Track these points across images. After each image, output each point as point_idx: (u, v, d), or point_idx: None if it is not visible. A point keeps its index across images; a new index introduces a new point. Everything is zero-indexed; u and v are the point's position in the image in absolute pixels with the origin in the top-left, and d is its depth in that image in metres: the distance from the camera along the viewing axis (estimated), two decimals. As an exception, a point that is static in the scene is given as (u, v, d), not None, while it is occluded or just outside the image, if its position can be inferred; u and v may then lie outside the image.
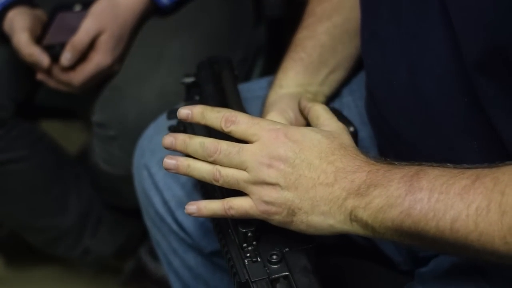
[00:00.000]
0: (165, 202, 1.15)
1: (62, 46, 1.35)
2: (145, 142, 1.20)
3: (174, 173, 0.88)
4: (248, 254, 0.85)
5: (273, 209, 0.84)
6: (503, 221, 0.75)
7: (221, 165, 0.85)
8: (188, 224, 1.14)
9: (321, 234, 0.85)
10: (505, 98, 0.82)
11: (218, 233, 0.90)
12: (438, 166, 0.81)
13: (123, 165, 1.38)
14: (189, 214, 0.88)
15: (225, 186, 0.86)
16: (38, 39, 1.38)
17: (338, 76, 1.10)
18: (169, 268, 1.22)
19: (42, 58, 1.35)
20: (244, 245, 0.86)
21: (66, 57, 1.35)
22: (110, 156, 1.43)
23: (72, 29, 1.36)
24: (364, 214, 0.81)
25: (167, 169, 0.88)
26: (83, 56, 1.36)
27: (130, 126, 1.36)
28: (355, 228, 0.83)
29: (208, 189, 0.96)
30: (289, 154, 0.84)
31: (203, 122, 0.88)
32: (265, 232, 0.88)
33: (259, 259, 0.85)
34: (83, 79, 1.37)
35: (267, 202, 0.84)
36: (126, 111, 1.37)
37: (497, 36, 0.77)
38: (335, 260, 1.14)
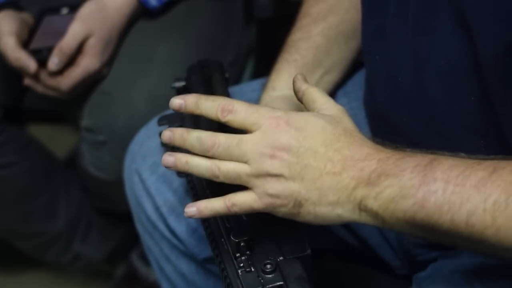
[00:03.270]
0: (157, 208, 1.13)
1: (49, 50, 1.34)
2: (136, 147, 1.18)
3: (174, 170, 0.84)
4: (242, 264, 0.84)
5: (278, 201, 0.81)
6: None
7: (220, 159, 0.82)
8: (180, 230, 1.12)
9: (329, 224, 0.82)
10: None
11: (211, 242, 0.89)
12: (452, 156, 0.78)
13: (114, 170, 1.36)
14: (189, 217, 0.84)
15: (226, 181, 0.82)
16: (25, 43, 1.36)
17: (332, 77, 1.09)
18: (161, 275, 1.20)
19: (29, 63, 1.33)
20: (238, 254, 0.84)
21: (53, 62, 1.33)
22: (100, 161, 1.42)
23: (59, 33, 1.35)
24: (374, 204, 0.78)
25: (166, 167, 0.84)
26: (71, 60, 1.35)
27: (119, 131, 1.34)
28: (363, 218, 0.80)
29: (199, 195, 0.94)
30: (293, 143, 0.80)
31: (197, 112, 0.83)
32: (259, 241, 0.86)
33: (252, 269, 0.83)
34: (71, 84, 1.35)
35: (271, 195, 0.81)
36: (115, 115, 1.36)
37: None
38: (331, 265, 1.13)
